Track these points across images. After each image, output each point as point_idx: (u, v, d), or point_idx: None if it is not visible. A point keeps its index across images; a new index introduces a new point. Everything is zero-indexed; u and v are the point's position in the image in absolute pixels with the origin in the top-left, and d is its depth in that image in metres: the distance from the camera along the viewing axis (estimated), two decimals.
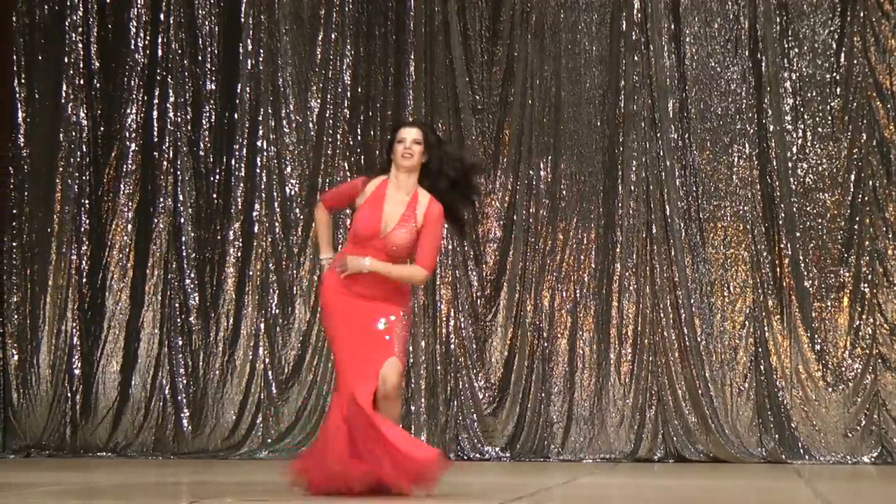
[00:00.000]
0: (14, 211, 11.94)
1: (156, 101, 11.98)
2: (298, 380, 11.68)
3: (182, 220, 11.87)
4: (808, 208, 11.38)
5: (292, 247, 11.77)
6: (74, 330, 11.87)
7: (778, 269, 11.35)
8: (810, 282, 11.32)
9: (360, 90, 11.85)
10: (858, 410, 11.16)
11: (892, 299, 11.26)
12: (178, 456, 11.57)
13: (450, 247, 11.61)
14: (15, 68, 12.01)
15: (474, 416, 11.49)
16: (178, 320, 11.81)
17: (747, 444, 11.18)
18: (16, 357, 11.88)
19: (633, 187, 11.51)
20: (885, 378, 11.20)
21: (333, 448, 7.09)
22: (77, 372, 11.85)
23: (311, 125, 11.86)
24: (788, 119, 11.45)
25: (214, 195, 11.90)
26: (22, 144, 12.01)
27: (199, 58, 11.97)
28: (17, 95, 12.02)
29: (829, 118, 11.42)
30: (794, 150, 11.42)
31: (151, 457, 11.58)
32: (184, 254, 11.85)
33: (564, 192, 11.61)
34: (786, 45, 11.47)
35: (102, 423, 11.76)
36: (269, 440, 11.59)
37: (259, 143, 11.87)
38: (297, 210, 11.82)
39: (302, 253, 11.76)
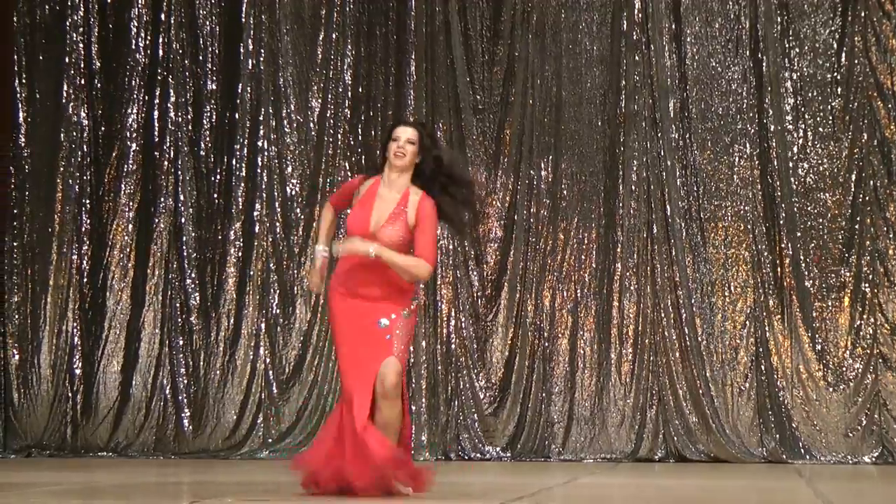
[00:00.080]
0: (15, 211, 11.95)
1: (157, 100, 11.98)
2: (299, 380, 11.68)
3: (183, 219, 11.87)
4: (808, 208, 11.38)
5: (293, 247, 11.77)
6: (75, 330, 11.88)
7: (779, 269, 11.35)
8: (811, 282, 11.32)
9: (360, 90, 11.85)
10: (859, 410, 11.16)
11: (892, 299, 11.26)
12: (178, 456, 11.57)
13: (450, 247, 11.61)
14: (16, 68, 12.01)
15: (475, 415, 11.49)
16: (179, 320, 11.81)
17: (748, 443, 11.18)
18: (17, 357, 11.88)
19: (633, 187, 11.51)
20: (886, 378, 11.20)
21: (331, 448, 7.12)
22: (78, 372, 11.85)
23: (311, 125, 11.87)
24: (789, 119, 11.45)
25: (215, 195, 11.90)
26: (23, 144, 12.01)
27: (200, 58, 11.97)
28: (18, 95, 12.02)
29: (830, 118, 11.42)
30: (795, 149, 11.42)
31: (152, 457, 11.58)
32: (185, 254, 11.85)
33: (565, 192, 11.61)
34: (787, 45, 11.47)
35: (103, 423, 11.76)
36: (270, 440, 11.59)
37: (260, 143, 11.88)
38: (298, 210, 11.82)
39: (303, 253, 11.76)
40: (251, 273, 11.79)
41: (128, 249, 11.95)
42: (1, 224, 11.94)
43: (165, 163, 11.95)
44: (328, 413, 11.38)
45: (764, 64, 11.44)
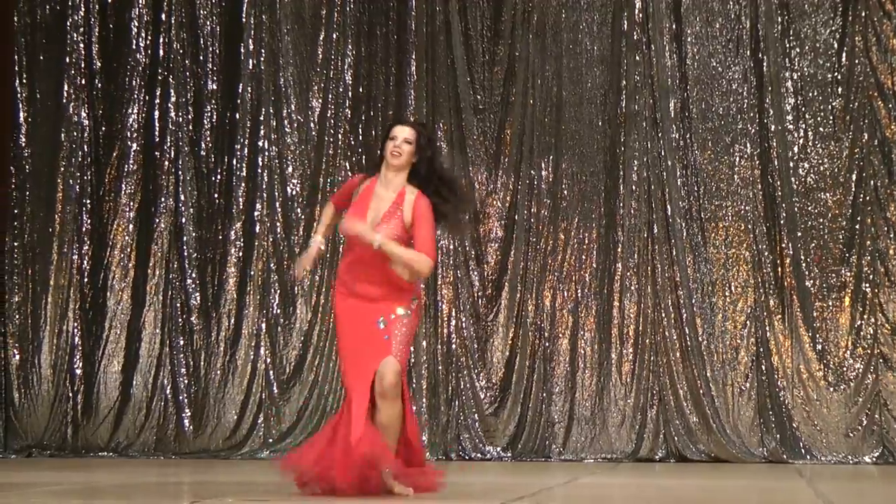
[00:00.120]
0: (15, 211, 11.95)
1: (157, 100, 11.98)
2: (300, 380, 11.68)
3: (183, 219, 11.88)
4: (809, 208, 11.38)
5: (293, 247, 11.77)
6: (76, 330, 11.88)
7: (779, 269, 11.35)
8: (812, 281, 11.31)
9: (361, 90, 11.86)
10: (860, 410, 11.16)
11: (893, 299, 11.26)
12: (179, 456, 11.58)
13: (451, 247, 11.62)
14: (16, 68, 12.02)
15: (476, 415, 11.49)
16: (180, 320, 11.81)
17: (748, 443, 11.18)
18: (17, 357, 11.88)
19: (634, 187, 11.51)
20: (887, 378, 11.19)
21: (322, 450, 7.15)
22: (78, 372, 11.86)
23: (312, 125, 11.87)
24: (790, 119, 11.45)
25: (216, 195, 11.91)
26: (23, 144, 12.02)
27: (201, 58, 11.98)
28: (19, 95, 12.03)
29: (831, 118, 11.42)
30: (796, 149, 11.42)
31: (153, 457, 11.58)
32: (185, 254, 11.85)
33: (566, 192, 11.61)
34: (787, 45, 11.47)
35: (104, 423, 11.77)
36: (271, 440, 11.59)
37: (260, 143, 11.88)
38: (299, 210, 11.82)
39: (303, 253, 11.74)
40: (252, 273, 11.79)
41: (128, 249, 11.96)
42: (1, 224, 11.94)
43: (166, 163, 11.96)
44: (329, 413, 11.40)
45: (764, 64, 11.44)
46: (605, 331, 11.45)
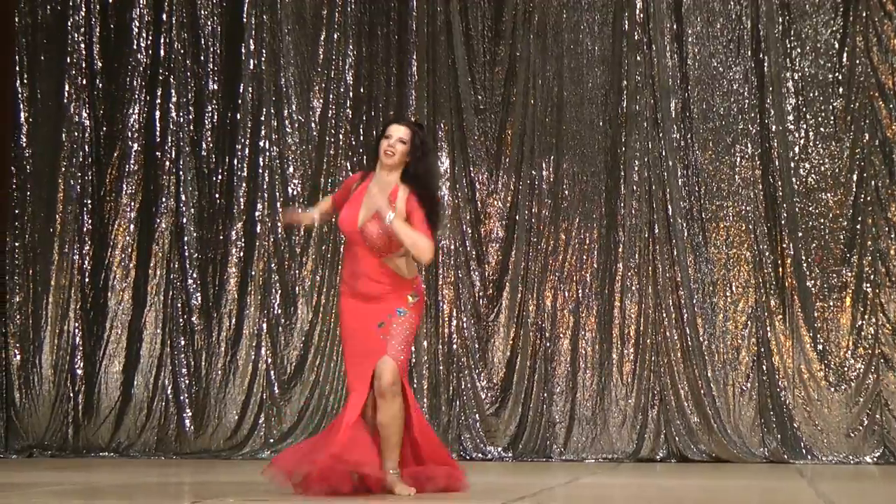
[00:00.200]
0: (16, 211, 11.96)
1: (158, 101, 11.98)
2: (301, 380, 11.68)
3: (184, 220, 11.88)
4: (810, 208, 11.38)
5: (294, 247, 11.78)
6: (77, 330, 11.88)
7: (780, 269, 11.35)
8: (813, 282, 11.31)
9: (362, 90, 11.85)
10: (861, 410, 11.15)
11: (894, 299, 11.25)
12: (180, 456, 11.58)
13: (452, 247, 11.62)
14: (17, 68, 12.02)
15: (477, 416, 11.49)
16: (181, 320, 11.81)
17: (749, 444, 11.18)
18: (18, 357, 11.88)
19: (635, 187, 11.50)
20: (888, 378, 11.19)
21: (309, 450, 7.20)
22: (79, 372, 11.86)
23: (313, 125, 11.87)
24: (791, 119, 11.44)
25: (217, 195, 11.91)
26: (24, 144, 12.02)
27: (202, 58, 11.98)
28: (20, 95, 12.03)
29: (832, 118, 11.41)
30: (797, 150, 11.42)
31: (154, 457, 11.58)
32: (186, 254, 11.85)
33: (567, 192, 11.61)
34: (788, 45, 11.46)
35: (105, 423, 11.76)
36: (272, 440, 11.58)
37: (261, 144, 11.88)
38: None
39: (304, 253, 11.77)
40: (253, 273, 11.79)
41: (129, 249, 11.95)
42: (2, 224, 11.94)
43: (167, 163, 11.96)
44: (330, 413, 11.41)
45: (765, 64, 11.44)
46: (605, 331, 11.45)
